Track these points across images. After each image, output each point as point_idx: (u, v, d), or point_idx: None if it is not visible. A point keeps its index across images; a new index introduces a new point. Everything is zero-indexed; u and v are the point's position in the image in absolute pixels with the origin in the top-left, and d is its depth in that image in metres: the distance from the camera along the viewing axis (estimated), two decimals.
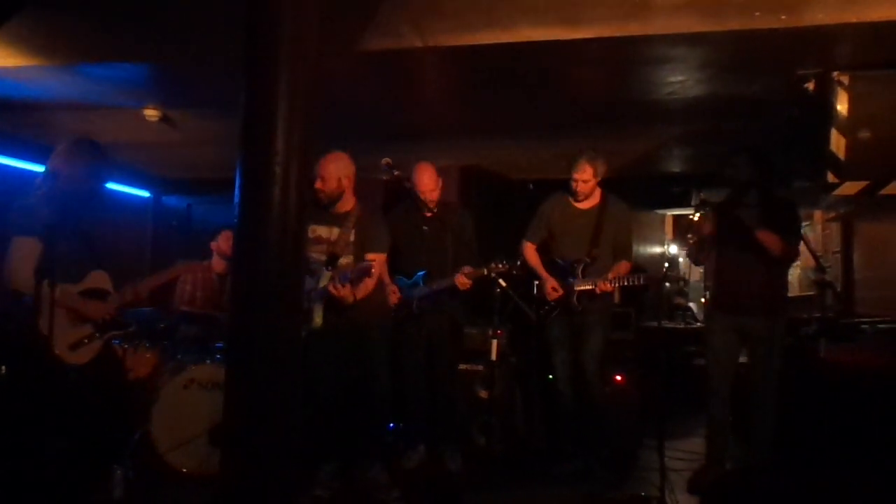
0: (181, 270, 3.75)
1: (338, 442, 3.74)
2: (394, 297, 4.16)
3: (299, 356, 2.58)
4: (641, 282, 4.06)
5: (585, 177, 4.08)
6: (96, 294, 3.30)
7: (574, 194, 4.16)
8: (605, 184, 4.29)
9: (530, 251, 4.27)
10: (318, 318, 3.60)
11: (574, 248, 4.15)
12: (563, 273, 4.14)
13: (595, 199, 4.19)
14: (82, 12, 3.56)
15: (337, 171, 3.68)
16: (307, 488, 3.58)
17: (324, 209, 3.73)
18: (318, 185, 3.66)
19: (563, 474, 4.04)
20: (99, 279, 3.34)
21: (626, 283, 4.05)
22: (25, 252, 3.04)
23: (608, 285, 3.98)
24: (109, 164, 3.40)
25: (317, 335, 3.56)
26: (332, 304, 3.58)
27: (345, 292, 3.52)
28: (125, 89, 4.47)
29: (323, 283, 3.59)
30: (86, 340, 3.23)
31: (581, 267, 4.08)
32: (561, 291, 4.10)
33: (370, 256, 3.62)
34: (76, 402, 3.15)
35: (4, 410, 3.11)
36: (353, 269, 3.54)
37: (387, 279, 4.13)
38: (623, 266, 4.10)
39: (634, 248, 4.62)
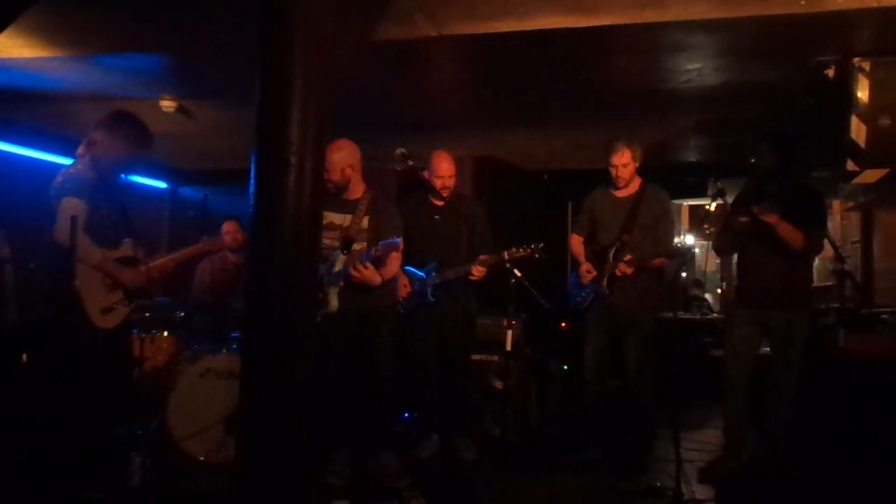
0: (206, 246, 3.88)
1: (349, 429, 3.77)
2: (404, 290, 4.16)
3: (314, 345, 2.59)
4: (653, 259, 4.04)
5: (625, 160, 4.04)
6: (129, 262, 3.44)
7: (614, 181, 4.13)
8: None
9: (576, 243, 4.32)
10: (334, 303, 3.61)
11: (609, 235, 4.15)
12: (599, 259, 4.16)
13: (634, 188, 4.16)
14: (99, 3, 3.58)
15: (340, 160, 3.67)
16: (320, 476, 3.60)
17: (334, 196, 3.74)
18: (328, 176, 3.63)
19: (577, 465, 4.03)
20: (132, 248, 3.47)
21: (644, 265, 4.00)
22: (73, 211, 3.15)
23: (627, 267, 3.95)
24: (146, 135, 3.54)
25: (328, 321, 3.58)
26: (349, 288, 3.59)
27: (368, 273, 3.52)
28: (142, 80, 4.50)
29: (338, 267, 3.60)
30: (115, 306, 3.35)
31: (612, 251, 4.08)
32: (594, 273, 4.11)
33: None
34: (103, 368, 3.25)
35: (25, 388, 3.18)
36: (378, 247, 3.52)
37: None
38: (658, 261, 4.07)
39: None
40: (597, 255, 4.20)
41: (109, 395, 3.33)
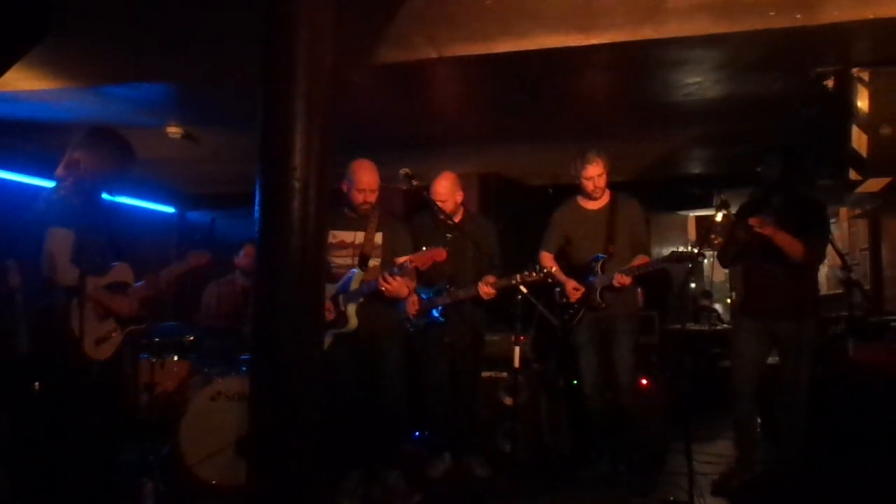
0: (195, 261, 3.77)
1: (361, 449, 3.77)
2: (413, 307, 4.17)
3: (321, 367, 2.60)
4: (657, 267, 4.02)
5: (599, 170, 4.05)
6: (119, 287, 3.31)
7: (588, 194, 4.13)
8: (625, 186, 4.29)
9: (547, 259, 4.25)
10: (353, 320, 3.64)
11: (591, 249, 4.14)
12: (583, 274, 4.13)
13: (605, 199, 4.17)
14: (105, 36, 3.65)
15: (377, 178, 3.76)
16: (332, 497, 3.59)
17: (344, 214, 3.77)
18: (367, 197, 3.72)
19: (589, 479, 4.02)
20: (121, 272, 3.35)
21: (643, 272, 4.01)
22: (61, 242, 3.05)
23: (626, 277, 3.95)
24: (129, 150, 3.39)
25: (339, 340, 3.59)
26: (365, 305, 3.62)
27: (397, 284, 3.57)
28: (148, 108, 4.56)
29: (355, 285, 3.63)
30: (109, 335, 3.23)
31: (599, 264, 4.08)
32: (582, 289, 4.09)
33: (401, 260, 3.65)
34: (98, 398, 3.16)
35: (39, 417, 3.16)
36: (415, 256, 3.58)
37: None
38: (642, 260, 4.06)
39: (658, 249, 4.57)
40: (579, 270, 4.16)
41: (112, 423, 3.27)
